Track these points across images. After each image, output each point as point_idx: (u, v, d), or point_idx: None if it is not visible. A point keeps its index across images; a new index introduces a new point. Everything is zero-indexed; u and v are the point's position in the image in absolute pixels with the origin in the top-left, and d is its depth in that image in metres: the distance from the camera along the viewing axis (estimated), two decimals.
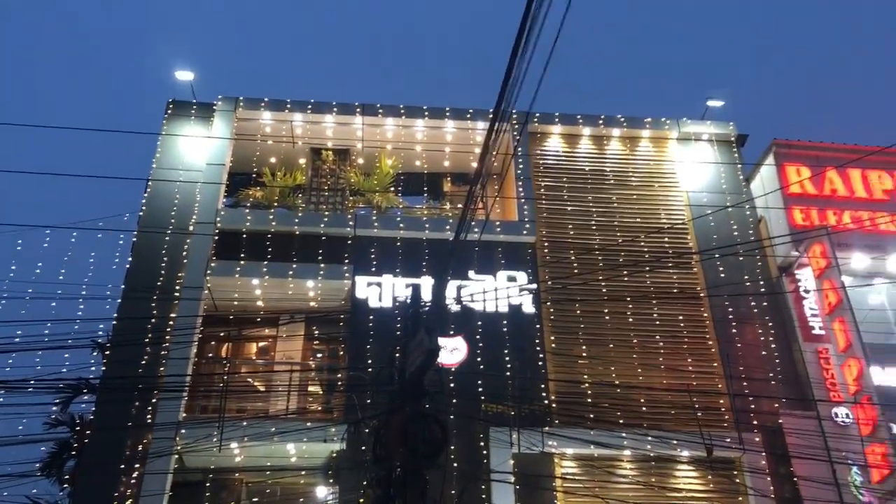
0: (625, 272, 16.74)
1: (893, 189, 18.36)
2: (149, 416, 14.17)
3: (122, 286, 15.70)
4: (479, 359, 15.39)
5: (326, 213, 17.74)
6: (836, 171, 18.02)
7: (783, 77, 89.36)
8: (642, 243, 17.33)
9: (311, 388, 16.46)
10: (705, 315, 16.70)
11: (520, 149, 18.32)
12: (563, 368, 15.74)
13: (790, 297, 16.91)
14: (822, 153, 18.53)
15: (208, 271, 15.88)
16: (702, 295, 16.88)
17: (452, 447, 13.66)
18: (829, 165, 17.90)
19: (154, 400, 14.25)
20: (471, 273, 16.48)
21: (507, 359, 15.55)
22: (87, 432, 14.91)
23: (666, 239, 17.58)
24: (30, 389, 14.18)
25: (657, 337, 16.30)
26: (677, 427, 14.79)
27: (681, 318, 16.61)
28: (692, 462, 14.90)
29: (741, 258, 17.12)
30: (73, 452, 17.54)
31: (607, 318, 16.40)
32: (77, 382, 17.02)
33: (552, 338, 16.08)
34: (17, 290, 15.71)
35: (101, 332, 16.31)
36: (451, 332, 15.42)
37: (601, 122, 19.14)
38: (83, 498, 13.89)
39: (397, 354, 9.63)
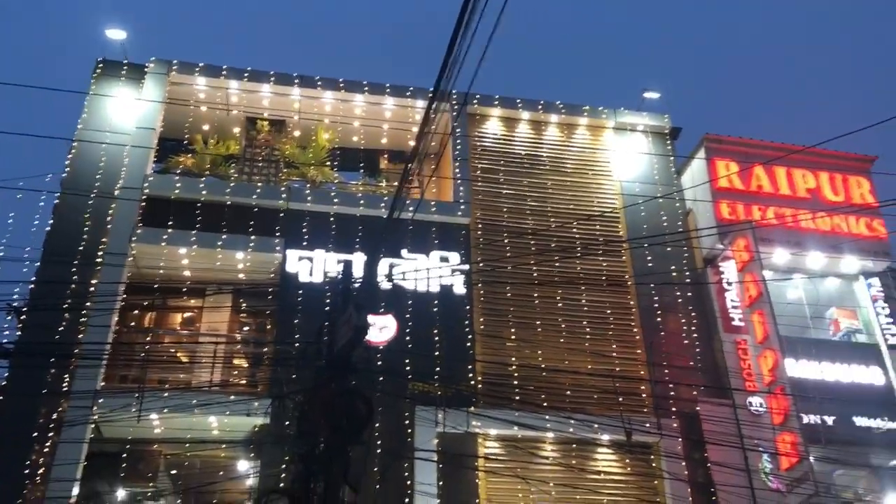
0: (556, 257, 16.94)
1: (816, 188, 18.99)
2: (65, 384, 13.76)
3: (42, 249, 15.14)
4: (408, 338, 15.40)
5: (259, 184, 17.42)
6: (763, 167, 18.54)
7: (720, 71, 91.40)
8: (574, 229, 17.56)
9: (236, 361, 16.22)
10: (632, 303, 17.04)
11: (458, 129, 18.30)
12: (491, 350, 15.86)
13: (713, 289, 17.39)
14: (750, 150, 19.04)
15: (133, 238, 15.44)
16: (629, 283, 17.21)
17: (378, 425, 13.64)
18: (756, 162, 18.40)
19: (71, 367, 13.83)
20: (403, 252, 16.45)
21: (436, 339, 15.60)
22: (0, 398, 14.40)
23: (597, 226, 17.83)
24: None
25: (584, 322, 16.57)
26: (599, 411, 15.10)
27: (608, 304, 16.91)
28: (612, 445, 15.24)
29: (668, 248, 17.51)
30: None
31: (537, 302, 16.58)
32: None
33: (481, 319, 16.18)
34: None
35: (17, 296, 15.72)
36: (382, 310, 15.36)
37: (540, 107, 19.24)
38: None
39: (325, 330, 9.55)
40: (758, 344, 16.40)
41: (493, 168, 18.35)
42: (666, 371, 16.05)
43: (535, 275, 16.78)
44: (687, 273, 17.57)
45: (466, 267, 16.52)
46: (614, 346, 16.41)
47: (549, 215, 17.79)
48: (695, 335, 16.81)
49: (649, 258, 17.48)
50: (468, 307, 16.15)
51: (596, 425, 14.68)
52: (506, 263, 16.56)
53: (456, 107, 18.05)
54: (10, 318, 17.00)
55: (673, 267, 17.53)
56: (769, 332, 16.18)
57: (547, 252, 16.94)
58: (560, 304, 16.67)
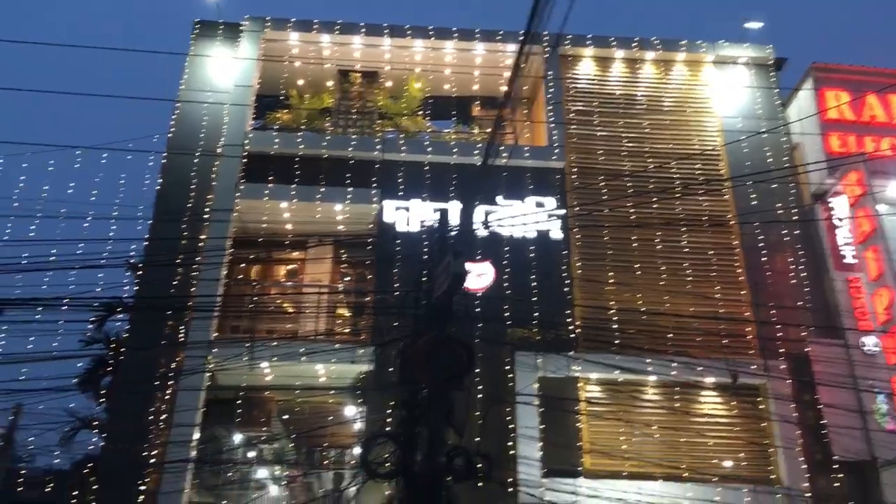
0: (654, 199, 16.56)
1: None
2: (181, 336, 14.47)
3: (153, 207, 15.83)
4: (505, 284, 15.44)
5: (354, 136, 17.64)
6: (877, 96, 17.50)
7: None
8: (673, 169, 17.07)
9: (339, 311, 16.67)
10: (735, 243, 16.54)
11: (550, 72, 17.95)
12: (590, 294, 15.75)
13: (822, 226, 16.66)
14: (862, 78, 17.97)
15: (237, 194, 15.95)
16: (732, 222, 16.69)
17: (478, 371, 13.84)
18: (869, 90, 17.36)
19: (186, 319, 14.52)
20: (499, 198, 16.40)
21: (534, 284, 15.59)
22: (122, 350, 15.30)
23: (697, 165, 17.30)
24: (65, 307, 14.53)
25: (685, 264, 16.21)
26: (702, 353, 14.85)
27: (710, 245, 16.48)
28: (716, 388, 14.99)
29: (774, 185, 16.84)
30: (109, 369, 18.09)
31: (635, 244, 16.30)
32: (111, 301, 17.43)
33: (579, 264, 16.06)
34: (51, 210, 15.93)
35: (133, 253, 16.56)
36: (479, 257, 15.43)
37: (635, 45, 18.64)
38: (119, 412, 14.33)
39: (424, 278, 9.67)
40: (871, 282, 15.68)
41: (587, 110, 17.97)
42: (773, 311, 15.59)
43: (632, 217, 16.47)
44: (794, 210, 16.89)
45: (563, 211, 16.36)
46: (717, 288, 16.02)
47: (647, 156, 17.34)
48: (803, 274, 16.22)
49: (753, 196, 16.87)
50: (565, 252, 16.04)
51: (699, 367, 14.46)
52: (602, 206, 16.30)
53: (548, 49, 17.69)
54: (127, 273, 18.00)
55: (779, 204, 16.87)
56: (884, 268, 15.44)
57: (645, 194, 16.57)
58: (659, 247, 16.34)
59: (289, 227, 16.71)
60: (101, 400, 18.39)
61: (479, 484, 11.63)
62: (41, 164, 17.34)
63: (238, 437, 15.16)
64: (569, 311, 15.40)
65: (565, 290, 15.64)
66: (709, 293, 15.90)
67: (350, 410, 15.37)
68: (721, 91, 18.24)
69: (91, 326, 18.06)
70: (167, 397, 13.94)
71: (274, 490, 15.14)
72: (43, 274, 13.77)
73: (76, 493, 14.29)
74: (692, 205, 16.82)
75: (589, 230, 16.31)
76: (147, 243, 15.34)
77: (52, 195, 17.36)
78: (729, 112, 17.97)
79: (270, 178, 16.36)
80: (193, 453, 13.63)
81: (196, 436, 13.67)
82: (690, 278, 16.06)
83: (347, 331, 15.98)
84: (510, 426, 14.04)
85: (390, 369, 13.46)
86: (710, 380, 14.81)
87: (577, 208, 16.45)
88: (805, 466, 14.29)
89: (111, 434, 14.15)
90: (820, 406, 14.56)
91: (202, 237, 15.33)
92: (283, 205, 16.19)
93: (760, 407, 14.99)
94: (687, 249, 16.37)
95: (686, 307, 15.58)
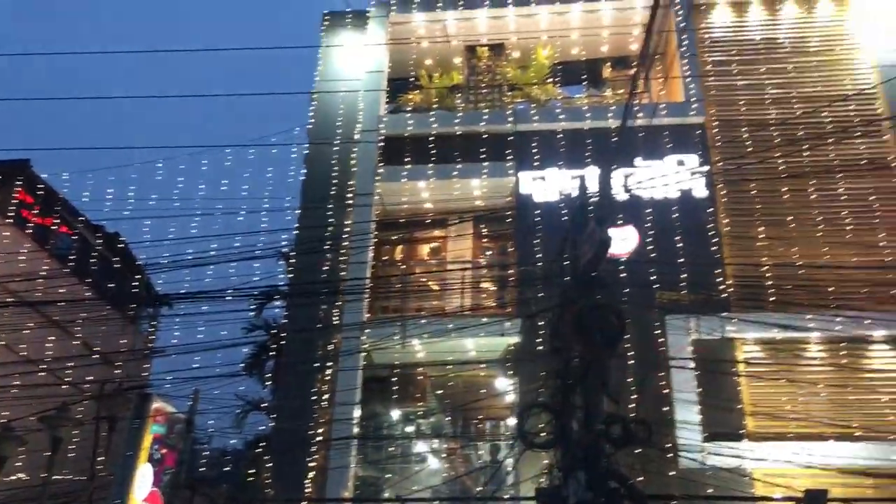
0: (805, 146, 15.66)
1: None
2: (335, 318, 15.04)
3: (300, 197, 16.49)
4: (650, 247, 15.09)
5: (485, 110, 17.65)
6: None
7: None
8: (824, 113, 16.05)
9: (483, 285, 16.83)
10: None
11: (682, 24, 17.26)
12: (741, 252, 15.14)
13: None
14: None
15: (377, 178, 16.35)
16: (894, 165, 15.54)
17: (628, 337, 13.58)
18: None
19: (339, 303, 15.09)
20: (637, 160, 15.98)
21: (680, 245, 15.14)
22: (282, 335, 16.10)
23: (851, 106, 16.18)
24: (227, 298, 15.44)
25: (844, 212, 15.26)
26: (869, 306, 13.98)
27: (870, 190, 15.42)
28: (889, 341, 14.10)
29: None
30: (271, 353, 19.11)
31: (786, 196, 15.49)
32: (268, 290, 18.37)
33: (727, 221, 15.45)
34: (206, 207, 16.89)
35: (284, 242, 17.33)
36: (620, 222, 15.13)
37: None
38: (284, 394, 15.11)
39: (566, 247, 9.62)
40: None
41: (725, 60, 17.14)
42: None
43: (782, 168, 15.65)
44: None
45: (706, 168, 15.77)
46: (882, 235, 15.01)
47: (794, 102, 16.39)
48: None
49: None
50: (711, 209, 15.47)
51: (867, 321, 13.63)
52: (749, 159, 15.57)
53: (678, 0, 17.01)
54: (280, 262, 18.88)
55: None
56: None
57: (794, 142, 15.69)
58: (813, 196, 15.46)
59: (429, 205, 16.97)
60: (266, 382, 19.46)
61: (638, 450, 11.52)
62: (195, 166, 18.40)
63: (396, 413, 15.66)
64: (719, 271, 14.87)
65: (713, 248, 15.11)
66: (872, 241, 14.92)
67: (502, 382, 15.53)
68: (874, 23, 16.90)
69: (252, 315, 19.09)
70: (327, 377, 14.56)
71: (434, 462, 15.54)
72: (205, 268, 14.70)
73: (252, 470, 15.21)
74: (848, 149, 15.77)
75: (736, 185, 15.63)
76: (297, 232, 16.03)
77: (207, 192, 18.40)
78: (884, 45, 16.66)
79: (407, 159, 16.65)
80: (356, 430, 14.19)
81: (357, 413, 14.21)
82: (851, 227, 15.11)
83: (493, 304, 16.12)
84: (665, 391, 13.77)
85: (538, 340, 13.50)
86: (879, 332, 13.94)
87: (722, 163, 15.80)
88: None
89: (279, 414, 14.95)
90: None
91: (347, 223, 15.84)
92: (422, 184, 16.46)
93: None
94: (845, 197, 15.40)
95: (847, 258, 14.72)
